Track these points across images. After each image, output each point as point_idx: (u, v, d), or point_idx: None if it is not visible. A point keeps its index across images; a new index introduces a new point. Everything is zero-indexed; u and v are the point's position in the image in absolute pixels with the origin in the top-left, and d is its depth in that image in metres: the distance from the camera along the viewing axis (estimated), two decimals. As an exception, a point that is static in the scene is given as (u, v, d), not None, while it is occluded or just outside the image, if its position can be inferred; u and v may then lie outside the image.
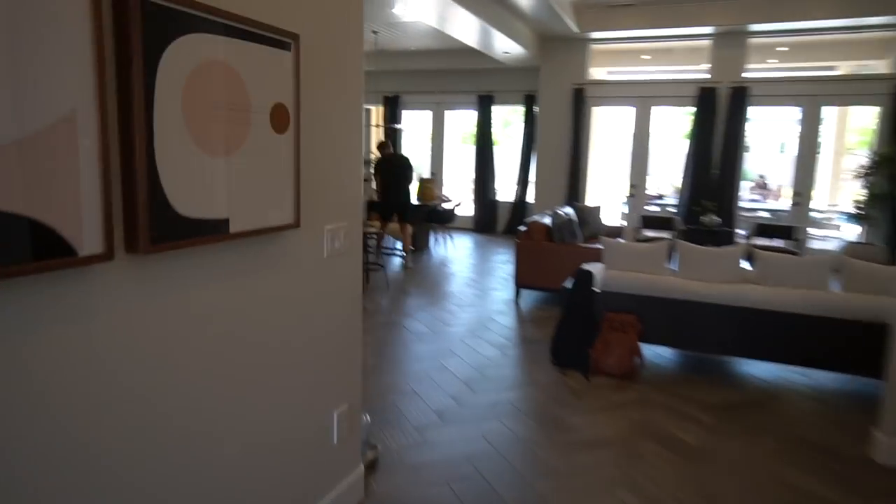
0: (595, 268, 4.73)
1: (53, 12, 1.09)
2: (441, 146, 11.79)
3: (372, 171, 8.15)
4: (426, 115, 11.91)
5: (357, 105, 2.20)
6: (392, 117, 11.68)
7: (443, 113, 11.71)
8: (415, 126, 12.49)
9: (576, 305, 4.29)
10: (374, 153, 11.69)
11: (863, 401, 3.77)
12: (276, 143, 1.70)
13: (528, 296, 6.37)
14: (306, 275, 1.98)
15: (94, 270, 1.25)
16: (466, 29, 7.69)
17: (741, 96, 8.56)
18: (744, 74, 8.65)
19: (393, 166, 7.66)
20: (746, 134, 8.84)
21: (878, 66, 9.13)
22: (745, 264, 4.26)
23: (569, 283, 4.39)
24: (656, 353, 4.58)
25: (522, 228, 6.13)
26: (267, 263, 1.77)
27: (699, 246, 4.30)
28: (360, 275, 2.38)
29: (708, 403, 3.67)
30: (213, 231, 1.51)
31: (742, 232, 9.53)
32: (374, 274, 7.01)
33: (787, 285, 3.93)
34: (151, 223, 1.33)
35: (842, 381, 4.11)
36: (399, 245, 8.71)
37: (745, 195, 10.50)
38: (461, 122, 12.23)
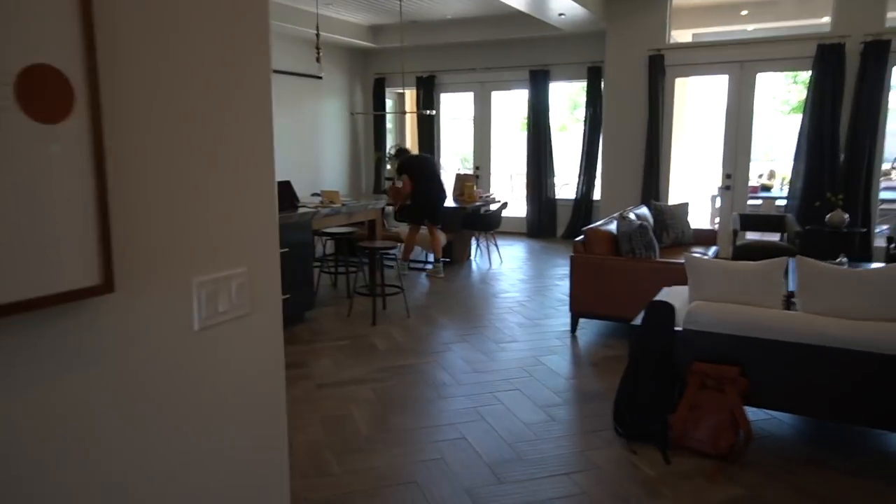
0: (678, 297, 3.92)
1: None
2: (487, 135, 11.10)
3: (395, 170, 7.82)
4: (468, 98, 11.24)
5: (262, 61, 1.53)
6: (427, 103, 11.08)
7: (489, 94, 11.01)
8: (456, 112, 11.84)
9: (649, 352, 3.50)
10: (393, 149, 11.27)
11: None
12: (37, 141, 1.05)
13: (590, 326, 5.57)
14: (152, 367, 1.32)
15: None
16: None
17: (881, 53, 7.40)
18: (886, 24, 7.48)
19: (420, 165, 7.56)
20: (889, 103, 7.67)
21: None
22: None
23: (639, 320, 3.61)
24: (772, 419, 3.72)
25: (579, 239, 5.35)
26: (46, 362, 1.12)
27: (833, 265, 3.42)
28: (279, 344, 1.71)
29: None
30: None
31: (882, 229, 8.37)
32: (391, 298, 6.37)
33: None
34: None
35: None
36: (430, 257, 8.08)
37: (883, 183, 9.26)
38: (513, 105, 11.50)
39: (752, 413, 3.63)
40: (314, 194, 7.49)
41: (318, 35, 7.05)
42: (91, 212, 1.16)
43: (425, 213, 7.41)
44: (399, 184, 7.47)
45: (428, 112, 10.16)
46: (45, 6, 1.08)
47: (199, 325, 1.44)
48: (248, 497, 1.65)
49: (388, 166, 9.41)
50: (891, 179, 11.08)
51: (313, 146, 10.91)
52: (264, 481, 1.69)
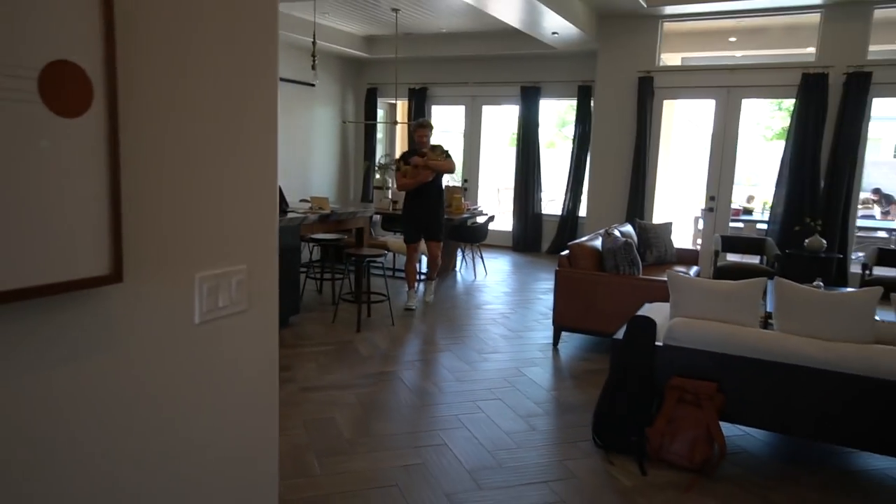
0: (658, 313, 4.00)
1: None
2: (477, 148, 11.20)
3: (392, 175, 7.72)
4: (459, 111, 11.34)
5: (270, 66, 1.58)
6: (419, 114, 11.16)
7: (479, 108, 11.12)
8: (446, 124, 11.93)
9: (629, 366, 3.56)
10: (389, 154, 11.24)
11: None
12: (58, 134, 1.09)
13: (572, 340, 5.64)
14: (153, 357, 1.36)
15: None
16: (507, 4, 7.13)
17: (862, 84, 7.60)
18: (867, 57, 7.68)
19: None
20: (867, 133, 7.86)
21: None
22: (878, 315, 3.46)
23: (621, 334, 3.67)
24: (745, 435, 3.80)
25: (565, 253, 5.43)
26: (55, 347, 1.16)
27: (810, 287, 3.52)
28: (274, 342, 1.75)
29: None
30: None
31: (857, 255, 8.55)
32: (376, 306, 6.40)
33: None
34: None
35: None
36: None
37: (861, 211, 9.46)
38: (503, 119, 11.61)
39: (728, 428, 3.71)
40: (303, 200, 7.51)
41: (314, 43, 7.11)
42: (104, 204, 1.21)
43: (421, 227, 6.51)
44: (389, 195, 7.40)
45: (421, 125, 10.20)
46: (70, 4, 1.13)
47: (199, 318, 1.48)
48: (240, 488, 1.69)
49: (378, 175, 9.42)
50: (869, 208, 11.32)
51: (303, 152, 10.93)
52: (255, 474, 1.73)
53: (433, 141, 6.56)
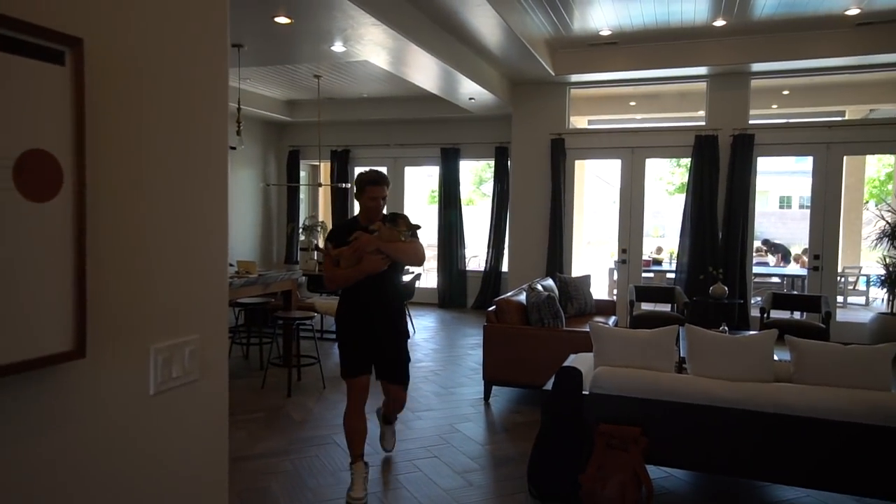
0: (584, 362, 4.19)
1: None
2: (400, 207, 11.38)
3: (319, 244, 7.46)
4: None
5: (219, 148, 1.67)
6: (341, 175, 11.29)
7: (402, 169, 11.38)
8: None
9: (559, 415, 3.70)
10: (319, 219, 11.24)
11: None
12: (29, 218, 1.14)
13: (502, 394, 5.75)
14: (110, 431, 1.38)
15: None
16: (425, 72, 7.45)
17: (747, 144, 8.38)
18: (749, 121, 8.50)
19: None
20: (755, 187, 8.62)
21: (891, 111, 9.16)
22: (777, 355, 3.77)
23: (549, 385, 3.82)
24: (669, 476, 3.98)
25: (492, 309, 5.59)
26: (19, 424, 1.17)
27: (716, 332, 3.80)
28: (224, 410, 1.78)
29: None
30: None
31: (756, 300, 9.17)
32: (306, 369, 6.32)
33: (835, 384, 3.42)
34: None
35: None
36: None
37: (755, 258, 10.21)
38: (424, 180, 11.89)
39: (653, 471, 3.87)
40: (229, 265, 7.40)
41: (239, 110, 7.16)
42: (70, 282, 1.25)
43: (369, 352, 3.81)
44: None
45: (342, 185, 10.35)
46: (45, 96, 1.20)
47: (154, 389, 1.51)
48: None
49: (302, 237, 9.38)
50: (762, 256, 12.22)
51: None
52: (208, 543, 1.72)
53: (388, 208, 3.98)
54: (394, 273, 3.86)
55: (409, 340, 4.04)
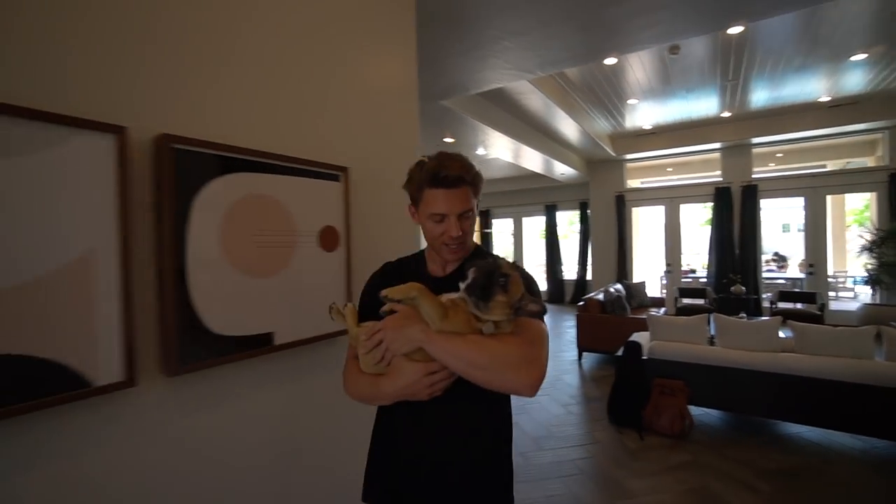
0: (643, 338, 3.84)
1: (76, 173, 0.81)
2: (521, 242, 11.26)
3: None
4: (509, 222, 11.53)
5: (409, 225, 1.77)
6: (485, 224, 11.42)
7: (521, 219, 11.25)
8: (502, 230, 12.14)
9: (628, 373, 3.42)
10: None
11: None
12: (325, 260, 1.32)
13: (589, 357, 5.41)
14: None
15: (114, 398, 0.89)
16: (532, 160, 7.38)
17: (752, 192, 7.23)
18: (752, 175, 7.34)
19: None
20: (761, 220, 7.39)
21: (865, 162, 7.47)
22: (781, 333, 3.18)
23: (620, 353, 3.55)
24: (705, 413, 3.50)
25: (581, 303, 5.32)
26: (314, 369, 1.34)
27: (737, 318, 3.30)
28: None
29: (762, 469, 2.59)
30: (254, 346, 1.12)
31: (767, 295, 7.80)
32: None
33: (825, 354, 2.82)
34: (182, 347, 0.96)
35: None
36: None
37: (765, 267, 8.68)
38: (535, 225, 11.67)
39: (694, 410, 3.43)
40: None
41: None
42: (343, 295, 1.39)
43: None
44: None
45: (488, 230, 10.40)
46: (331, 199, 1.37)
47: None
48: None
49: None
50: (770, 266, 10.39)
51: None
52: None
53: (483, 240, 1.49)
54: (473, 401, 0.93)
55: None
